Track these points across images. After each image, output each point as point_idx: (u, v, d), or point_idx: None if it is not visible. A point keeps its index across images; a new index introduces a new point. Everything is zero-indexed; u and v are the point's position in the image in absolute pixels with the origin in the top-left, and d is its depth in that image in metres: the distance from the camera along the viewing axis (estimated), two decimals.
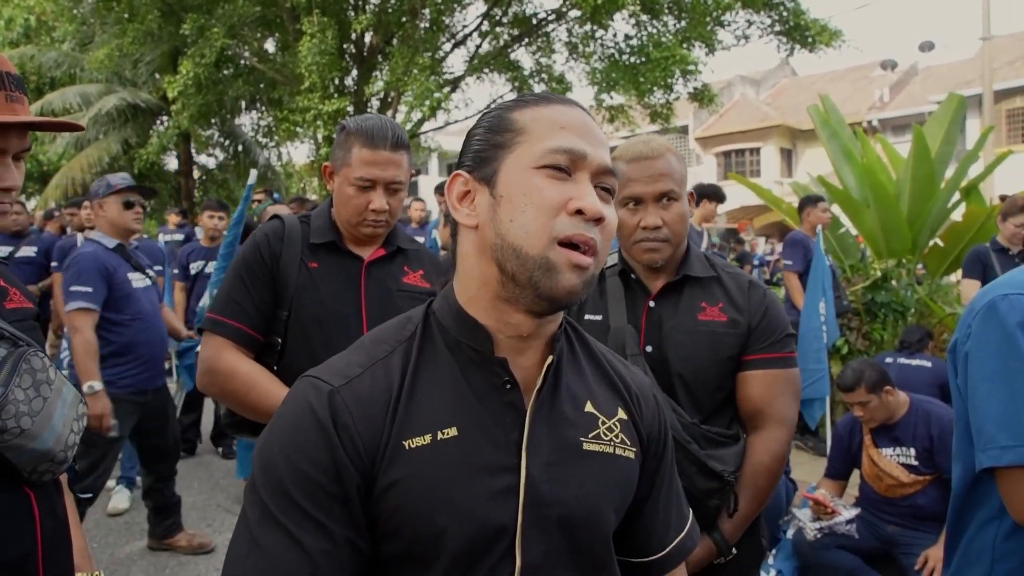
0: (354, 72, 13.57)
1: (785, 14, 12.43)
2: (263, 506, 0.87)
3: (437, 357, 0.97)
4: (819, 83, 26.70)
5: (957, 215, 7.66)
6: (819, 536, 3.49)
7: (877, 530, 3.53)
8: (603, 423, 1.03)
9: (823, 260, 5.56)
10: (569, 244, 0.89)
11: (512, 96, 12.15)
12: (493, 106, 1.03)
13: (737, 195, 20.84)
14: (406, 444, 0.90)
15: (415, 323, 1.00)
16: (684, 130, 25.92)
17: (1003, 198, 5.21)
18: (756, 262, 12.65)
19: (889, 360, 4.69)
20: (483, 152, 0.96)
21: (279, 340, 1.93)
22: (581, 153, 0.92)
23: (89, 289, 3.46)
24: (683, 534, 1.16)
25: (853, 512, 3.50)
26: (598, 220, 0.91)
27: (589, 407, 1.03)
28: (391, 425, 0.91)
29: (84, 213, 5.17)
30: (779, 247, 13.29)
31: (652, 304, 1.81)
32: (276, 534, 0.86)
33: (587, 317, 1.85)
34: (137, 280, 3.71)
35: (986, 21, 16.68)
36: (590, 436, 1.00)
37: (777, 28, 12.64)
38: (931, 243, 7.67)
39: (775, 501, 3.79)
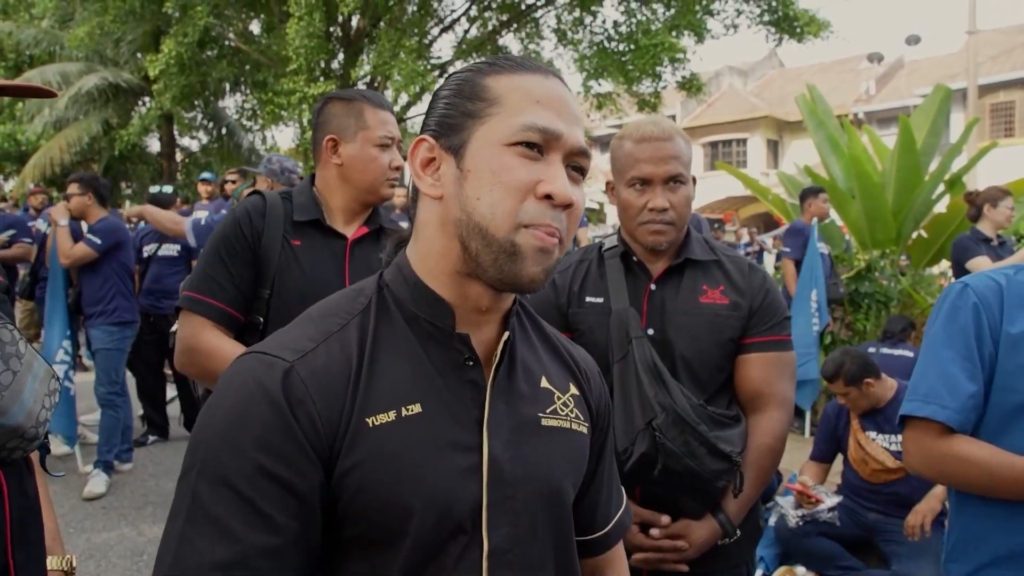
0: (340, 55, 13.43)
1: (774, 4, 12.42)
2: (195, 499, 0.79)
3: (395, 331, 0.91)
4: (806, 75, 26.76)
5: (941, 207, 7.72)
6: (801, 523, 3.50)
7: (858, 517, 3.55)
8: (558, 398, 1.00)
9: (817, 251, 5.65)
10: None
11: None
12: (462, 68, 0.96)
13: (724, 185, 20.93)
14: (369, 421, 0.84)
15: (367, 295, 0.94)
16: (672, 119, 25.90)
17: (967, 196, 5.29)
18: (739, 250, 12.71)
19: (872, 350, 4.71)
20: (451, 119, 0.90)
21: (261, 319, 1.89)
22: (556, 133, 0.87)
23: None
24: (622, 510, 1.15)
25: (835, 500, 3.51)
26: (567, 206, 0.87)
27: (544, 382, 1.00)
28: (352, 402, 0.85)
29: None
30: (759, 237, 13.32)
31: (654, 287, 1.80)
32: (210, 530, 0.77)
33: (588, 299, 1.83)
34: None
35: (972, 15, 16.75)
36: (547, 411, 0.98)
37: (766, 18, 12.63)
38: (915, 234, 7.72)
39: None
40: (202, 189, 8.05)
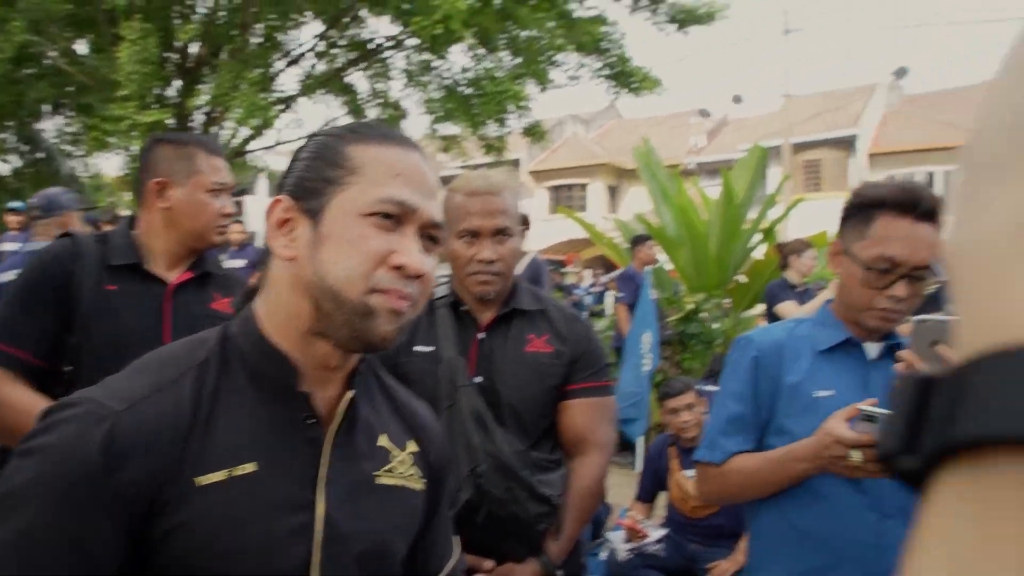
0: (177, 83, 12.84)
1: (612, 60, 13.16)
2: None
3: (235, 386, 0.91)
4: (643, 126, 28.40)
5: (758, 254, 8.42)
6: (630, 557, 3.66)
7: (682, 549, 3.75)
8: (395, 456, 1.03)
9: (649, 296, 6.03)
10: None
11: (346, 120, 11.73)
12: (326, 130, 0.98)
13: (566, 228, 21.68)
14: (197, 481, 0.83)
15: (209, 347, 0.93)
16: (517, 163, 26.68)
17: (777, 247, 5.95)
18: (582, 292, 13.28)
19: (697, 388, 5.03)
20: (310, 182, 0.92)
21: (70, 368, 1.77)
22: (413, 207, 0.90)
23: None
24: (454, 560, 1.19)
25: (661, 533, 3.72)
26: (419, 276, 0.90)
27: (383, 440, 1.02)
28: (181, 460, 0.83)
29: None
30: (602, 278, 13.97)
31: (482, 336, 1.85)
32: None
33: (417, 348, 1.85)
34: None
35: (787, 81, 18.56)
36: (383, 470, 1.00)
37: (605, 72, 13.35)
38: (735, 279, 8.36)
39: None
40: (11, 219, 7.35)
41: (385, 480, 1.00)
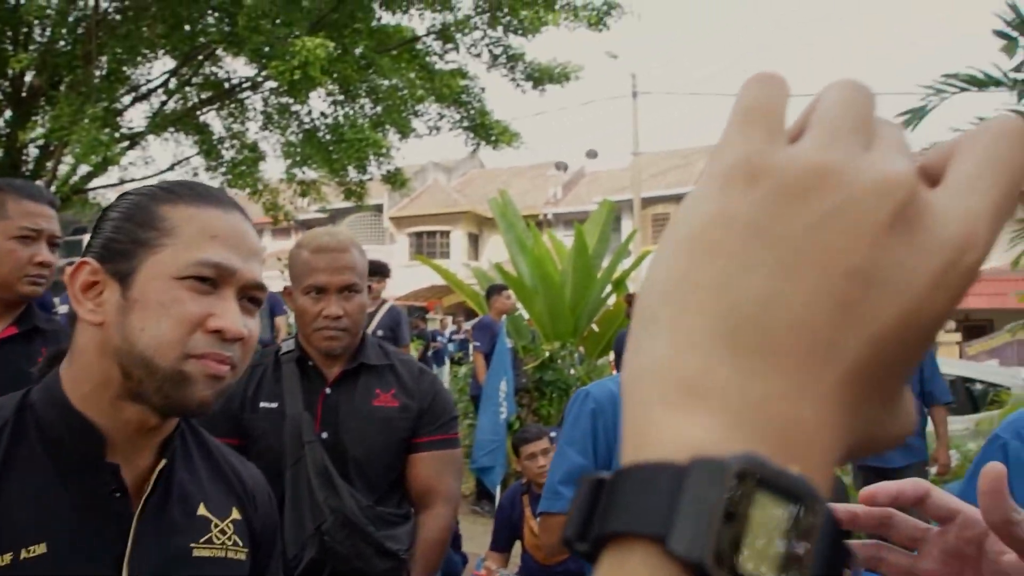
0: (8, 113, 11.93)
1: (472, 112, 13.46)
2: None
3: (30, 459, 0.85)
4: (504, 176, 29.10)
5: (610, 304, 8.79)
6: None
7: None
8: (216, 526, 0.98)
9: (505, 345, 6.16)
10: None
11: (199, 160, 11.24)
12: (137, 189, 0.95)
13: (428, 274, 21.73)
14: None
15: (3, 416, 0.87)
16: (379, 209, 26.56)
17: (627, 297, 6.30)
18: (444, 339, 13.30)
19: (553, 435, 5.14)
20: (119, 244, 0.88)
21: None
22: (231, 269, 0.88)
23: None
24: None
25: None
26: (238, 338, 0.88)
27: (202, 510, 0.98)
28: None
29: None
30: (464, 325, 14.08)
31: (329, 391, 1.85)
32: None
33: (262, 405, 1.83)
34: None
35: (636, 139, 19.66)
36: (201, 541, 0.96)
37: (465, 124, 13.62)
38: (589, 327, 8.67)
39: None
40: None
41: (203, 552, 0.95)
